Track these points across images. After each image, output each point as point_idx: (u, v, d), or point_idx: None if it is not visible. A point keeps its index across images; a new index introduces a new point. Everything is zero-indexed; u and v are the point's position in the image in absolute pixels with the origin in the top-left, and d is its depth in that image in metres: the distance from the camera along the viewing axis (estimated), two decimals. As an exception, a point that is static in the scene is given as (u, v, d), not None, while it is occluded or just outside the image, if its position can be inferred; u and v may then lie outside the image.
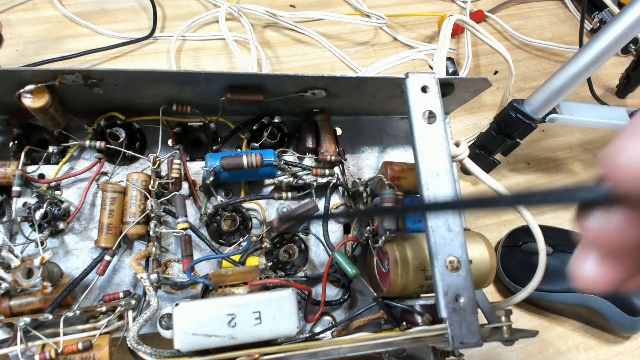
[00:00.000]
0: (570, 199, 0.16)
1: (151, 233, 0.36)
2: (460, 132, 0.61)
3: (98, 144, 0.37)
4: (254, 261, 0.37)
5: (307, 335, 0.38)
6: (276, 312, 0.32)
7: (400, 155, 0.46)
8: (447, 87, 0.37)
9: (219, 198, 0.39)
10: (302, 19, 0.63)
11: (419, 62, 0.65)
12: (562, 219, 0.57)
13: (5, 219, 0.36)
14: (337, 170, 0.42)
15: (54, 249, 0.35)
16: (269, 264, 0.39)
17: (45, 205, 0.36)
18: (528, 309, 0.52)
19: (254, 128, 0.42)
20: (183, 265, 0.35)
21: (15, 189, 0.35)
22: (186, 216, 0.36)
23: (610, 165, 0.14)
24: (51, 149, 0.37)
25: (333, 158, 0.41)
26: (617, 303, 0.47)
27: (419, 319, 0.36)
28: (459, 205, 0.26)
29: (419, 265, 0.35)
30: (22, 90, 0.33)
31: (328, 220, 0.40)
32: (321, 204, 0.41)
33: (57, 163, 0.38)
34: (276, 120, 0.41)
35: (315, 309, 0.39)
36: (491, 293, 0.52)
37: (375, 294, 0.37)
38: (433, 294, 0.31)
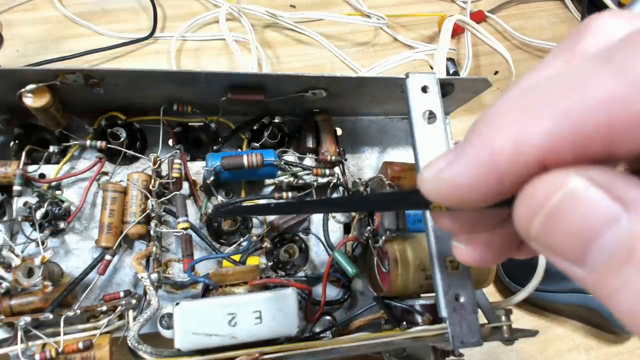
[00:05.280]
0: (398, 204, 0.20)
1: (151, 232, 0.36)
2: (460, 132, 0.61)
3: (98, 143, 0.37)
4: (254, 261, 0.37)
5: (307, 335, 0.38)
6: (276, 311, 0.32)
7: (400, 155, 0.46)
8: (447, 87, 0.37)
9: (219, 197, 0.39)
10: (302, 19, 0.63)
11: (419, 62, 0.65)
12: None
13: (5, 218, 0.36)
14: (337, 170, 0.42)
15: (54, 248, 0.35)
16: (269, 264, 0.39)
17: (45, 205, 0.36)
18: (528, 309, 0.52)
19: (254, 128, 0.42)
20: (183, 264, 0.35)
21: (16, 188, 0.35)
22: (186, 215, 0.36)
23: (420, 177, 0.17)
24: (52, 148, 0.37)
25: (333, 158, 0.41)
26: (616, 303, 0.47)
27: (419, 319, 0.36)
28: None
29: (419, 265, 0.35)
30: (23, 90, 0.33)
31: (327, 219, 0.40)
32: (321, 204, 0.41)
33: (57, 162, 0.38)
34: (276, 120, 0.41)
35: (315, 309, 0.39)
36: (491, 293, 0.52)
37: (375, 294, 0.37)
38: (433, 294, 0.31)
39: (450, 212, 0.19)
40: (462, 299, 0.29)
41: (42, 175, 0.37)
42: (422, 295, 0.37)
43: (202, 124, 0.41)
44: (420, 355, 0.36)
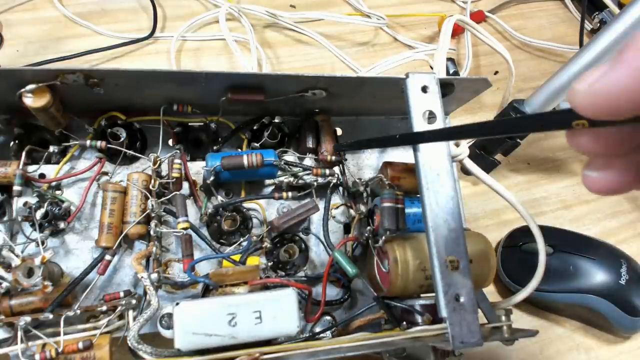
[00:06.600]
0: (547, 124, 0.19)
1: (151, 232, 0.36)
2: (460, 132, 0.61)
3: (98, 143, 0.37)
4: (254, 261, 0.37)
5: (307, 335, 0.38)
6: (276, 311, 0.32)
7: (400, 155, 0.46)
8: (447, 87, 0.37)
9: (219, 197, 0.39)
10: (302, 19, 0.63)
11: (419, 62, 0.65)
12: (562, 219, 0.58)
13: (5, 218, 0.36)
14: (337, 170, 0.42)
15: (54, 248, 0.35)
16: (269, 264, 0.39)
17: (45, 205, 0.36)
18: (528, 309, 0.52)
19: (254, 128, 0.42)
20: (183, 264, 0.35)
21: (16, 188, 0.35)
22: (186, 215, 0.36)
23: (571, 91, 0.16)
24: (52, 148, 0.37)
25: (333, 158, 0.41)
26: (617, 303, 0.47)
27: (419, 319, 0.36)
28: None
29: (419, 265, 0.35)
30: (23, 90, 0.33)
31: (328, 219, 0.40)
32: (321, 204, 0.41)
33: (57, 162, 0.38)
34: (276, 120, 0.41)
35: (315, 309, 0.39)
36: (491, 293, 0.52)
37: (375, 294, 0.37)
38: (433, 294, 0.31)
39: (593, 130, 0.18)
40: (462, 299, 0.29)
41: (42, 175, 0.37)
42: (422, 295, 0.37)
43: (202, 124, 0.41)
44: (420, 355, 0.36)
